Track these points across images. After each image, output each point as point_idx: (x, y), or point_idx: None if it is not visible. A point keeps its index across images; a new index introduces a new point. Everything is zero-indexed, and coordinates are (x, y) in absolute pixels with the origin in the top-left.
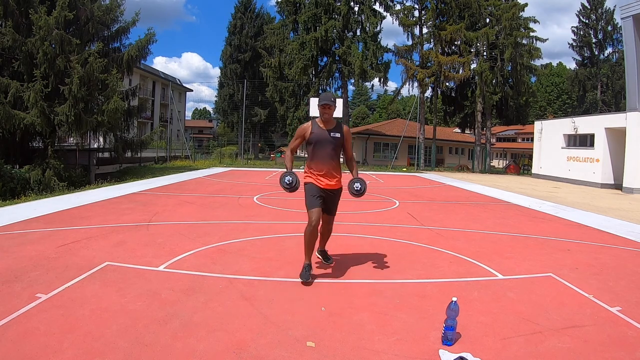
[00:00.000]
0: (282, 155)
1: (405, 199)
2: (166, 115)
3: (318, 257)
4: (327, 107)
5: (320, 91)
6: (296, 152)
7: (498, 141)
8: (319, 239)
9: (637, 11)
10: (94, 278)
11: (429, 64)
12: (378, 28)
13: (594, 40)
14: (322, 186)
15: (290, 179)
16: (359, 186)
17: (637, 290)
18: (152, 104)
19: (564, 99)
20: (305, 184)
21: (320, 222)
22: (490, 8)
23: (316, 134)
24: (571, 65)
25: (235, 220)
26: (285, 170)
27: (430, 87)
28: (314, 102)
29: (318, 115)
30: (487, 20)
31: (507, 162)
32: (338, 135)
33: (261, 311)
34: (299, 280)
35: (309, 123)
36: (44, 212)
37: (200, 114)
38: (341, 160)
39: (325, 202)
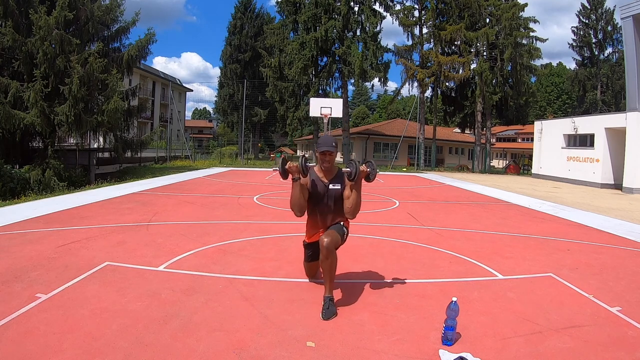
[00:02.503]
0: (282, 155)
1: (405, 199)
2: (166, 115)
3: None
4: (327, 154)
5: (320, 91)
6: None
7: (498, 141)
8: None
9: (637, 11)
10: (94, 278)
11: (429, 64)
12: (378, 28)
13: (594, 40)
14: (317, 240)
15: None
16: (354, 169)
17: (637, 290)
18: (152, 104)
19: (564, 99)
20: (303, 241)
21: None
22: (490, 8)
23: (313, 189)
24: (571, 65)
25: (235, 220)
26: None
27: (430, 87)
28: (314, 102)
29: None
30: (487, 20)
31: (507, 162)
32: (338, 186)
33: (261, 311)
34: (300, 280)
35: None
36: (44, 212)
37: (200, 114)
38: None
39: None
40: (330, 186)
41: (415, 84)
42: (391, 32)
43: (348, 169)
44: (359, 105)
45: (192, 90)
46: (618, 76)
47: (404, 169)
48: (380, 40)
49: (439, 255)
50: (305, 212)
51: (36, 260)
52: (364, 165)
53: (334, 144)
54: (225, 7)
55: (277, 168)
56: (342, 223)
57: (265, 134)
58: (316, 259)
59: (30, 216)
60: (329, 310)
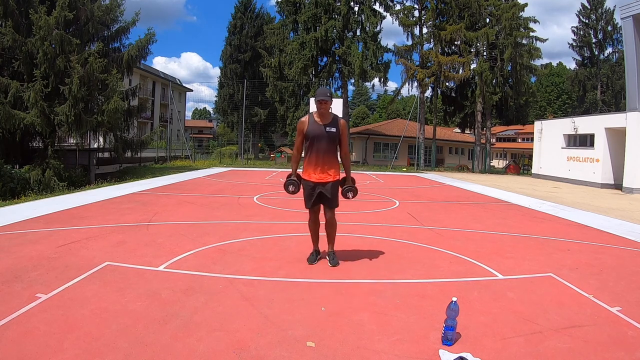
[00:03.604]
0: (282, 156)
1: (405, 199)
2: (166, 115)
3: (326, 258)
4: (323, 103)
5: None
6: (302, 149)
7: (498, 141)
8: (326, 239)
9: (637, 11)
10: (94, 278)
11: (429, 64)
12: (378, 28)
13: (594, 40)
14: (316, 180)
15: (294, 189)
16: (352, 196)
17: (637, 290)
18: (152, 104)
19: (564, 99)
20: (303, 180)
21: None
22: (490, 8)
23: (312, 129)
24: (571, 65)
25: (235, 220)
26: (290, 172)
27: (430, 87)
28: (314, 102)
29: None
30: (487, 20)
31: (507, 162)
32: (334, 130)
33: (261, 311)
34: (300, 280)
35: (306, 117)
36: (44, 212)
37: (200, 114)
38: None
39: (321, 196)
40: (327, 129)
41: (415, 84)
42: (391, 32)
43: (350, 193)
44: (359, 105)
45: (192, 90)
46: (618, 76)
47: (404, 169)
48: (380, 40)
49: (439, 255)
50: (304, 154)
51: (36, 260)
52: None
53: (328, 94)
54: (225, 7)
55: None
56: (337, 180)
57: (265, 134)
58: (316, 202)
59: (30, 216)
60: (335, 260)
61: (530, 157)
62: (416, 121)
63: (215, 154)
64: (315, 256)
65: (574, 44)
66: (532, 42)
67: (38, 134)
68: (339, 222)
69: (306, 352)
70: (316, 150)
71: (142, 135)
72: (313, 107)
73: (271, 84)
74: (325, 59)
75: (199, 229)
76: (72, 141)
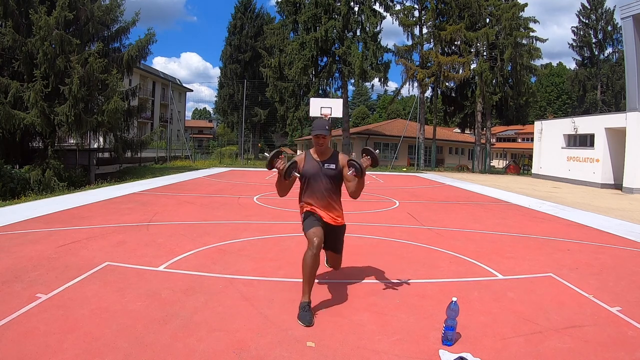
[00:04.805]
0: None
1: (405, 199)
2: (166, 115)
3: (325, 266)
4: (321, 137)
5: (320, 91)
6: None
7: (498, 141)
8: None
9: (637, 11)
10: (94, 278)
11: (429, 64)
12: (378, 28)
13: (594, 40)
14: (322, 219)
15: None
16: (358, 169)
17: (637, 290)
18: (152, 104)
19: (564, 99)
20: (304, 212)
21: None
22: (490, 8)
23: (308, 167)
24: (571, 65)
25: (235, 220)
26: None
27: (430, 87)
28: (314, 102)
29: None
30: (487, 20)
31: (507, 162)
32: (333, 166)
33: (261, 311)
34: (300, 280)
35: (303, 155)
36: (44, 212)
37: (200, 114)
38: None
39: (327, 239)
40: (325, 166)
41: (415, 84)
42: (391, 32)
43: (352, 170)
44: (359, 105)
45: (192, 90)
46: (618, 76)
47: (404, 169)
48: (380, 40)
49: (439, 255)
50: (301, 188)
51: (36, 260)
52: (363, 157)
53: (327, 127)
54: (225, 7)
55: (266, 155)
56: (344, 224)
57: (265, 134)
58: (326, 247)
59: (30, 216)
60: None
61: (530, 157)
62: (416, 121)
63: (215, 154)
64: (308, 309)
65: (574, 44)
66: (532, 42)
67: (38, 134)
68: None
69: (306, 352)
70: (315, 191)
71: (142, 136)
72: (313, 107)
73: (271, 84)
74: (325, 59)
75: (199, 229)
76: (72, 141)
